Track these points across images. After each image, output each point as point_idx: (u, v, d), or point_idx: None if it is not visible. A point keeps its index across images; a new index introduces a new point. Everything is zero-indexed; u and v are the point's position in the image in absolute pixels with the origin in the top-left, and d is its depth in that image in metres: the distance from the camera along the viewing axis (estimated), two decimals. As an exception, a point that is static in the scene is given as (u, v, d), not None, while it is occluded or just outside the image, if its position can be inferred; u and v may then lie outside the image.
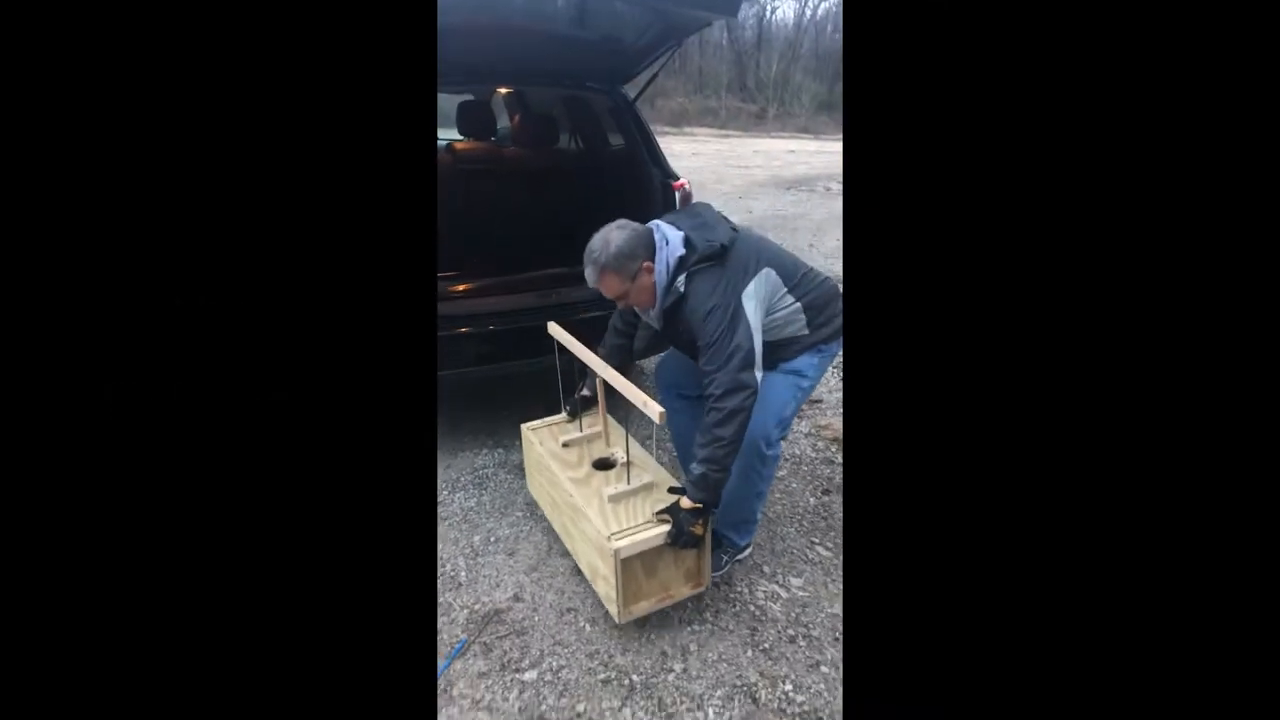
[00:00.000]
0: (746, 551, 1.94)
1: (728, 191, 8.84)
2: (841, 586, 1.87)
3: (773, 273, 1.63)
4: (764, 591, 1.85)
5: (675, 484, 1.71)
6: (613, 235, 1.60)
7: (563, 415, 2.07)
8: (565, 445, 1.93)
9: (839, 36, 25.06)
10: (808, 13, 24.53)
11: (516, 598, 1.81)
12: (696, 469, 1.55)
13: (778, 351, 1.72)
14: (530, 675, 1.57)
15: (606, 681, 1.55)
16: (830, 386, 3.12)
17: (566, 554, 1.92)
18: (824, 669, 1.60)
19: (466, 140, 3.04)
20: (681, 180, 2.73)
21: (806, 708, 1.50)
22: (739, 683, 1.56)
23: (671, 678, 1.57)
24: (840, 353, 1.82)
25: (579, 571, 1.85)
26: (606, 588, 1.62)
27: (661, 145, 2.92)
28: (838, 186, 9.71)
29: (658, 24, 2.36)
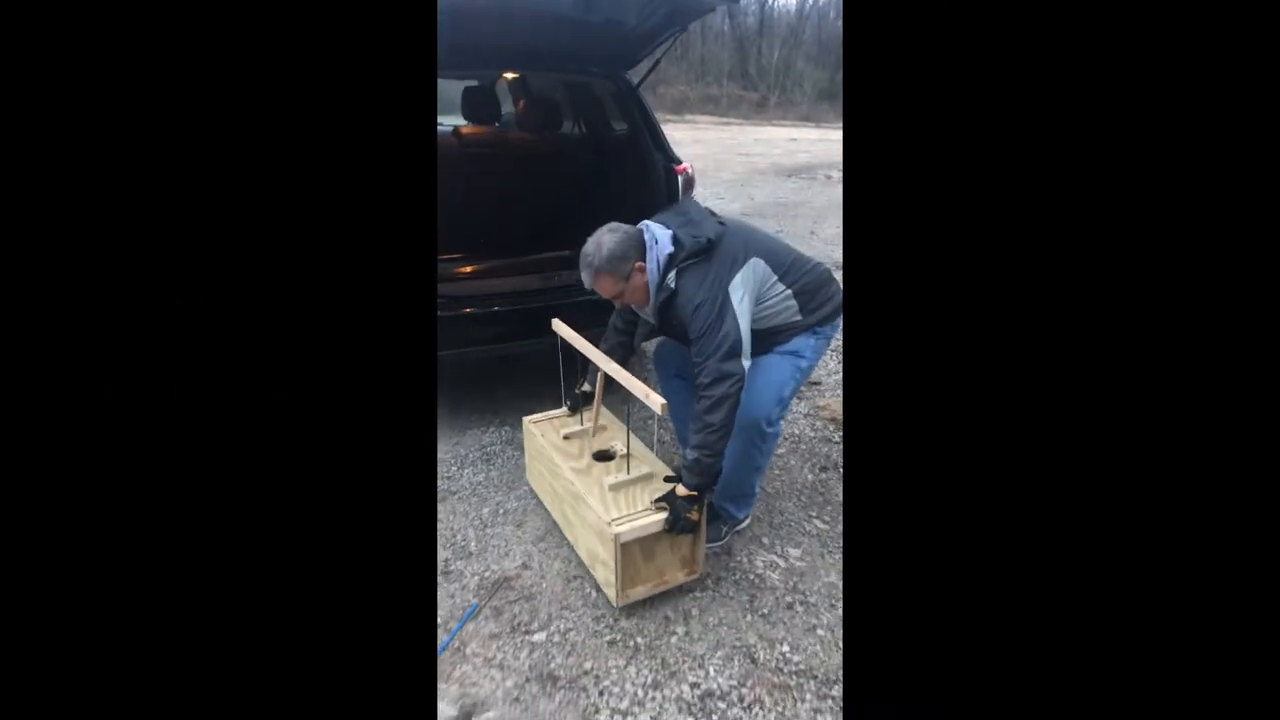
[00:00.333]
0: (745, 523, 2.01)
1: (729, 179, 8.87)
2: (837, 557, 1.94)
3: (761, 263, 1.69)
4: (763, 561, 1.92)
5: (671, 474, 1.77)
6: (604, 238, 1.67)
7: (563, 409, 2.13)
8: (566, 438, 1.99)
9: (840, 24, 24.94)
10: (810, 0, 24.39)
11: (525, 565, 1.88)
12: (690, 454, 1.62)
13: (773, 337, 1.78)
14: (539, 637, 1.64)
15: (612, 643, 1.62)
16: (829, 369, 3.19)
17: (572, 525, 1.99)
18: (820, 632, 1.67)
19: (472, 125, 3.08)
20: (684, 165, 2.78)
21: (802, 667, 1.57)
22: (738, 644, 1.63)
23: (674, 640, 1.64)
24: (836, 335, 1.89)
25: (584, 542, 1.92)
26: (605, 572, 1.68)
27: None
28: (838, 174, 9.73)
29: (662, 9, 2.40)
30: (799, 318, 1.78)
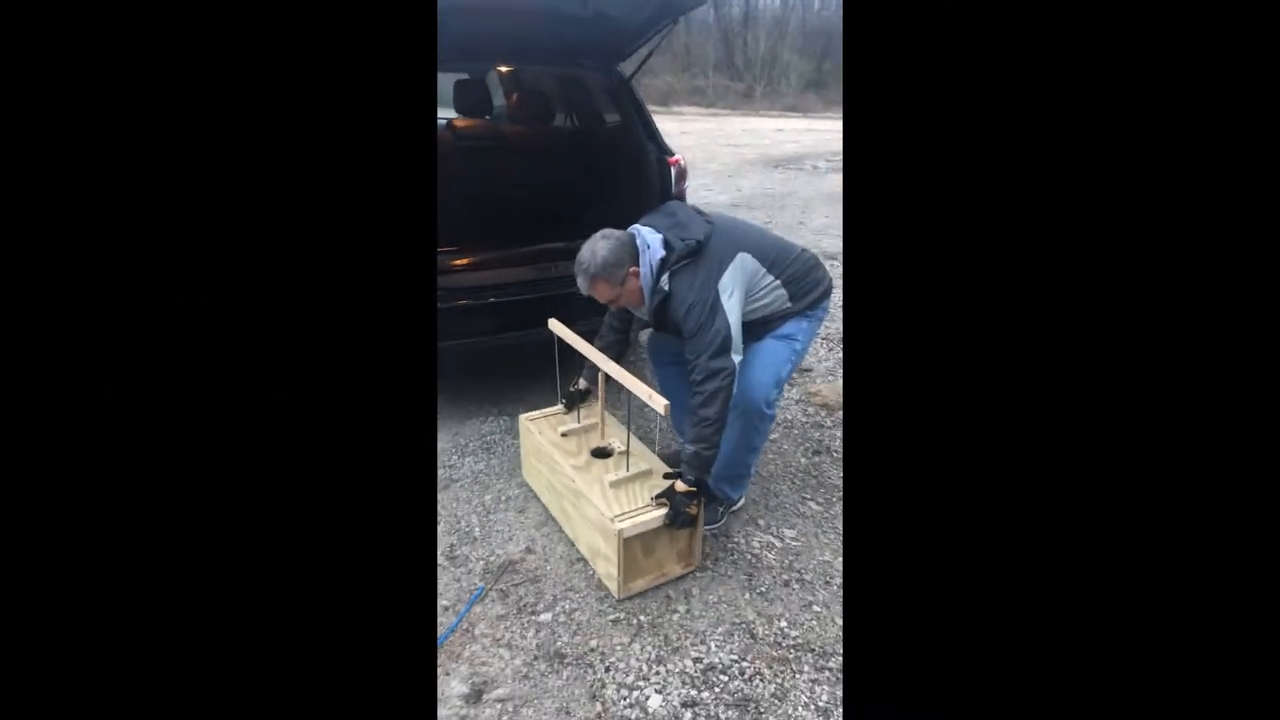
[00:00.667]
0: (739, 504, 2.07)
1: (717, 170, 8.90)
2: (831, 537, 2.00)
3: (748, 257, 1.74)
4: (759, 542, 1.97)
5: (669, 470, 1.83)
6: (599, 246, 1.72)
7: (559, 407, 2.17)
8: (564, 435, 2.04)
9: (825, 14, 24.95)
10: (795, -11, 24.38)
11: (528, 550, 1.93)
12: (689, 448, 1.68)
13: (767, 324, 1.85)
14: (545, 617, 1.69)
15: (616, 621, 1.68)
16: (819, 357, 3.25)
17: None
18: (816, 608, 1.73)
19: (465, 118, 3.10)
20: (677, 156, 2.82)
21: (800, 640, 1.63)
22: (738, 620, 1.68)
23: (676, 617, 1.69)
24: (826, 318, 1.94)
25: (586, 525, 1.97)
26: (607, 566, 1.74)
27: (653, 123, 3.00)
28: (826, 164, 9.80)
29: (654, 2, 2.43)
30: (789, 305, 1.84)
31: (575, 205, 2.93)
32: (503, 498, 2.17)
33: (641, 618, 1.69)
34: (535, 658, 1.57)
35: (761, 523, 2.06)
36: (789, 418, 2.67)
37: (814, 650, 1.60)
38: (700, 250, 1.70)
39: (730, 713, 1.44)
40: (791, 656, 1.58)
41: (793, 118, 17.63)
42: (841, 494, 2.20)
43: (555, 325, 2.03)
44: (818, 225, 5.99)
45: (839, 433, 2.58)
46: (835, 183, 8.30)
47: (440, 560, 1.89)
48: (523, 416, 2.16)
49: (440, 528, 2.02)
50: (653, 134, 2.84)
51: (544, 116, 3.29)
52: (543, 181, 3.06)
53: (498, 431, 2.56)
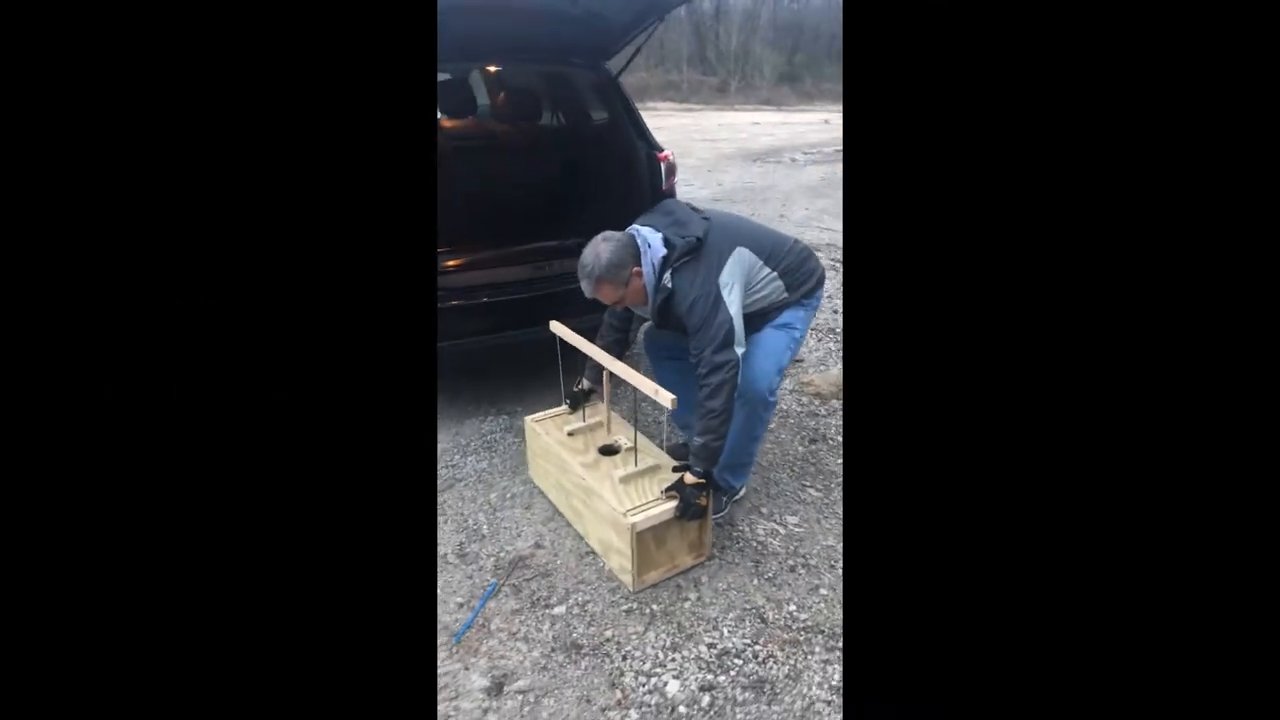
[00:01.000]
0: (741, 493, 2.11)
1: (696, 165, 8.93)
2: (833, 523, 2.05)
3: (746, 251, 1.79)
4: (764, 529, 2.02)
5: (677, 464, 1.85)
6: (601, 248, 1.74)
7: (564, 407, 2.20)
8: (571, 434, 2.06)
9: (795, 7, 25.12)
10: (765, -17, 24.47)
11: (538, 545, 1.95)
12: (698, 440, 1.72)
13: (765, 315, 1.90)
14: (559, 610, 1.72)
15: (629, 611, 1.71)
16: (810, 347, 3.30)
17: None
18: (823, 591, 1.78)
19: (451, 118, 3.10)
20: (666, 152, 2.85)
21: (809, 623, 1.67)
22: (748, 606, 1.72)
23: (687, 605, 1.73)
24: (820, 305, 2.00)
25: (593, 519, 2.00)
26: (621, 560, 1.77)
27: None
28: (804, 157, 9.88)
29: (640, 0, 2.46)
30: (786, 295, 1.88)
31: (567, 203, 2.95)
32: (508, 495, 2.19)
33: (654, 607, 1.72)
34: (553, 649, 1.60)
35: (764, 511, 2.10)
36: (784, 408, 2.72)
37: (824, 632, 1.64)
38: (700, 247, 1.74)
39: (747, 694, 1.48)
40: (802, 639, 1.63)
41: (767, 111, 17.72)
42: (839, 480, 2.25)
43: (557, 327, 2.06)
44: (799, 218, 6.05)
45: (834, 420, 2.63)
46: (814, 175, 8.38)
47: (450, 558, 1.90)
48: (528, 418, 2.17)
49: (448, 526, 2.04)
50: (642, 130, 2.86)
51: (531, 115, 3.30)
52: (534, 180, 3.08)
53: (498, 430, 2.57)
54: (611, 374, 1.91)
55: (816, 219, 6.03)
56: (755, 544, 1.95)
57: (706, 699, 1.47)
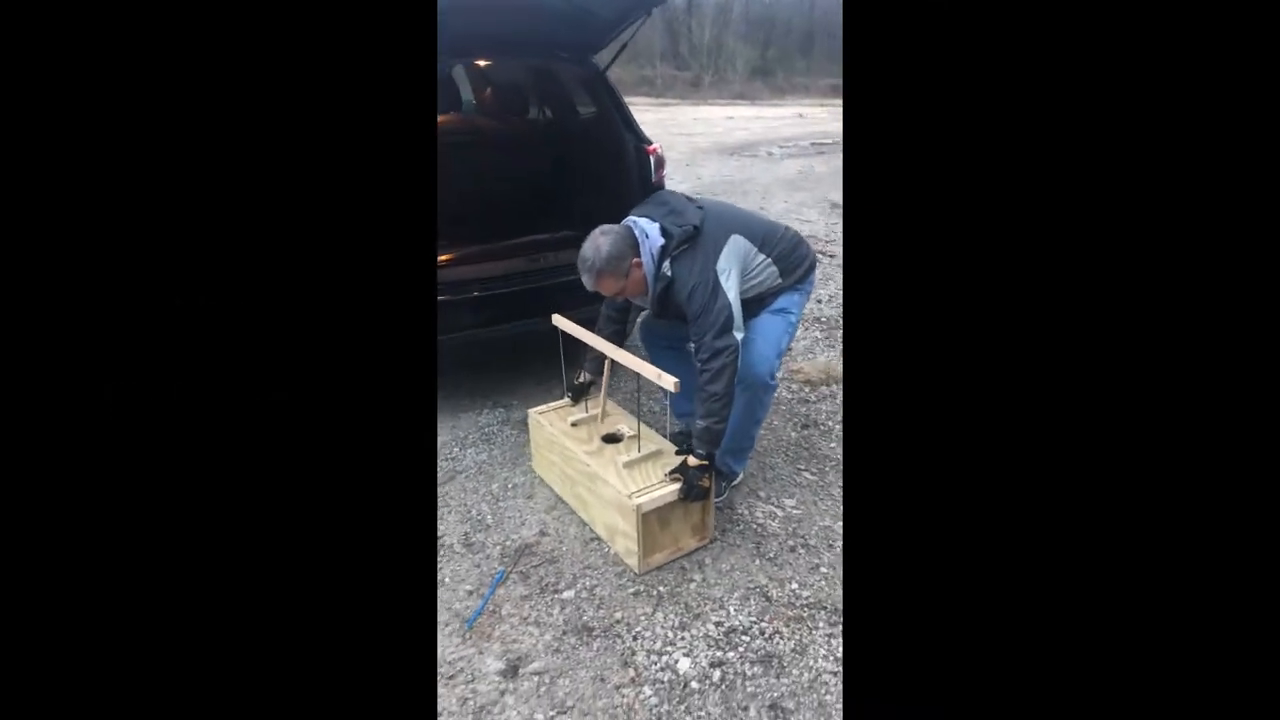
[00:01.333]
0: (739, 478, 2.16)
1: (674, 159, 8.97)
2: (828, 504, 2.11)
3: (741, 239, 1.83)
4: (763, 512, 2.07)
5: (679, 448, 1.90)
6: (600, 241, 1.77)
7: (565, 400, 2.23)
8: (574, 425, 2.10)
9: (767, 1, 25.25)
10: (736, -23, 24.56)
11: (542, 533, 1.98)
12: (700, 423, 1.76)
13: (762, 301, 1.94)
14: (568, 594, 1.75)
15: (637, 594, 1.75)
16: (797, 336, 3.36)
17: (582, 493, 2.10)
18: (823, 569, 1.83)
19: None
20: (654, 145, 2.88)
21: (812, 600, 1.72)
22: (752, 585, 1.77)
23: (693, 586, 1.77)
24: (813, 290, 2.06)
25: (596, 506, 2.03)
26: (626, 542, 1.81)
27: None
28: (780, 150, 9.97)
29: (628, -5, 2.49)
30: (780, 281, 1.94)
31: (557, 197, 2.97)
32: (509, 485, 2.21)
33: (661, 589, 1.76)
34: (564, 632, 1.63)
35: (762, 494, 2.15)
36: (776, 395, 2.77)
37: (826, 608, 1.70)
38: (697, 235, 1.78)
39: (755, 669, 1.53)
40: (806, 615, 1.68)
41: (741, 105, 17.82)
42: (833, 464, 2.31)
43: (559, 320, 2.08)
44: (779, 210, 6.12)
45: (824, 406, 2.70)
46: (791, 169, 8.48)
47: (457, 547, 1.93)
48: (531, 411, 2.20)
49: (452, 517, 2.06)
50: (630, 124, 2.89)
51: (518, 110, 3.31)
52: (522, 175, 3.09)
53: (495, 423, 2.59)
54: (612, 364, 1.95)
55: (796, 211, 6.11)
56: (755, 526, 2.00)
57: (717, 674, 1.51)
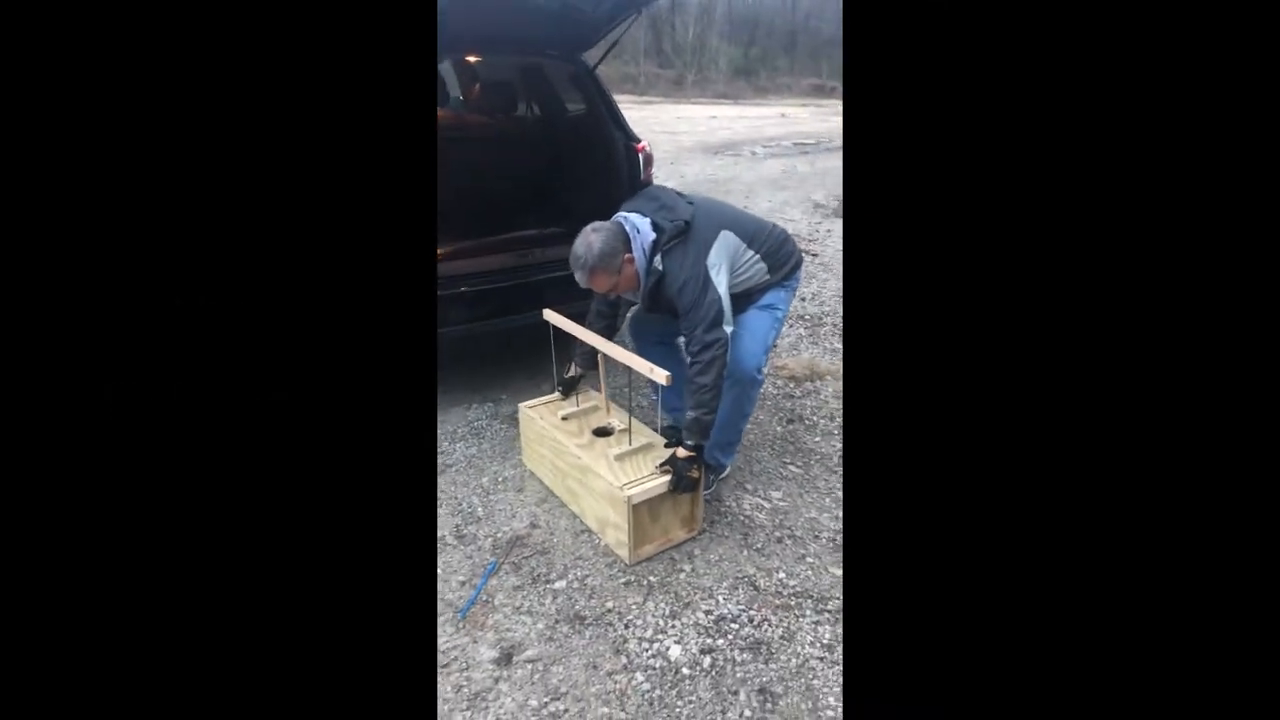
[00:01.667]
0: (726, 471, 2.20)
1: (658, 158, 8.97)
2: (814, 497, 2.15)
3: (730, 234, 1.87)
4: (750, 504, 2.11)
5: (669, 442, 1.93)
6: (592, 238, 1.79)
7: (556, 394, 2.25)
8: (565, 419, 2.12)
9: (751, 0, 25.36)
10: (720, -23, 24.63)
11: (533, 525, 2.01)
12: (690, 414, 1.80)
13: (749, 296, 1.98)
14: (560, 584, 1.78)
15: (628, 584, 1.78)
16: (782, 334, 3.41)
17: (572, 486, 2.12)
18: (809, 560, 1.88)
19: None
20: (642, 143, 2.91)
21: (799, 589, 1.77)
22: (740, 575, 1.81)
23: (683, 576, 1.81)
24: (799, 286, 2.10)
25: (586, 499, 2.06)
26: (617, 534, 1.84)
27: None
28: (763, 150, 10.04)
29: (618, -6, 2.51)
30: (768, 276, 1.98)
31: (546, 193, 2.99)
32: (499, 479, 2.24)
33: (651, 579, 1.80)
34: (557, 621, 1.66)
35: (749, 487, 2.19)
36: (762, 391, 2.81)
37: (812, 596, 1.74)
38: (688, 230, 1.81)
39: (745, 655, 1.57)
40: (793, 603, 1.72)
41: (725, 105, 17.89)
42: (818, 457, 2.36)
43: (551, 315, 2.10)
44: (763, 209, 6.17)
45: (808, 402, 2.75)
46: (774, 168, 8.54)
47: (449, 539, 1.95)
48: (522, 405, 2.22)
49: (443, 510, 2.08)
50: (619, 121, 2.92)
51: (506, 107, 3.32)
52: (511, 171, 3.10)
53: (484, 417, 2.61)
54: (606, 357, 1.97)
55: (779, 211, 6.16)
56: (743, 518, 2.04)
57: (707, 660, 1.55)
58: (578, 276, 1.83)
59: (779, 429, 2.55)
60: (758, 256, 1.93)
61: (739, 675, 1.52)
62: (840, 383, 2.90)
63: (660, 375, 1.74)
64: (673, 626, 1.64)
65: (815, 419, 2.62)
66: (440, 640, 1.60)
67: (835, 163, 8.86)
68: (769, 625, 1.65)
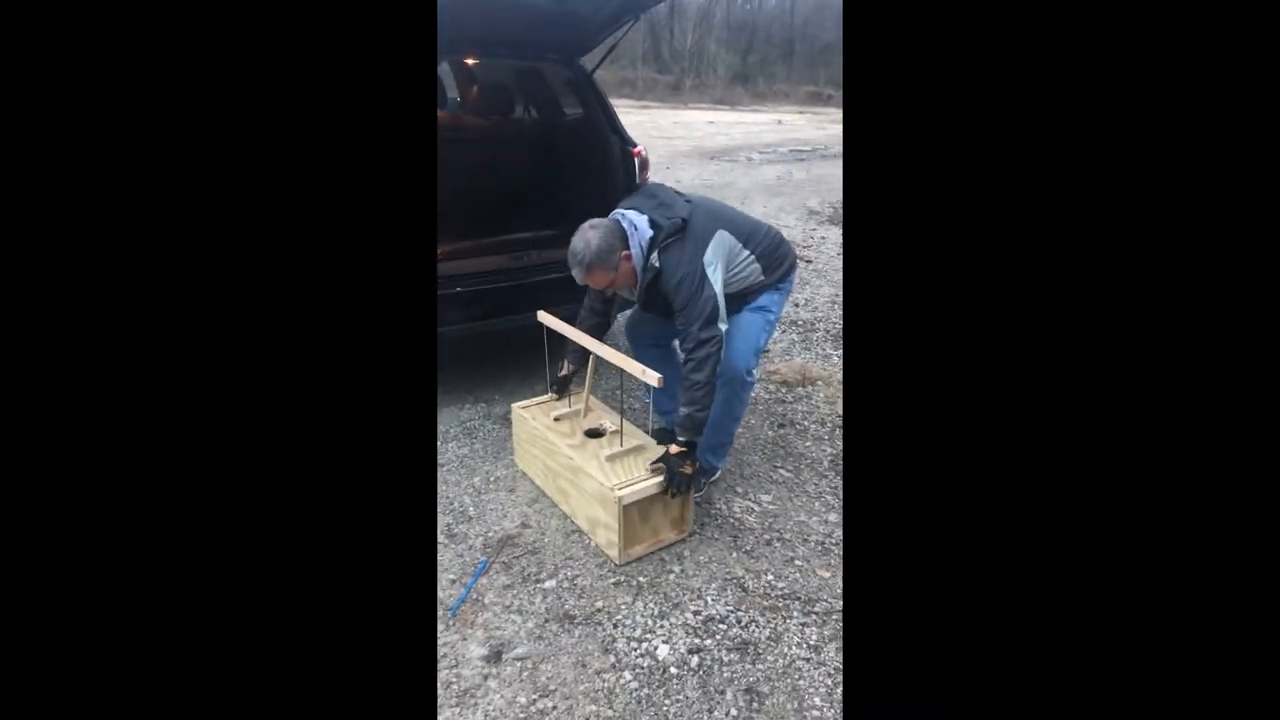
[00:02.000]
0: (717, 474, 2.22)
1: (654, 162, 9.00)
2: (803, 501, 2.17)
3: (726, 234, 1.89)
4: (740, 507, 2.13)
5: (659, 443, 1.94)
6: (590, 235, 1.81)
7: (549, 395, 2.27)
8: (557, 419, 2.14)
9: (749, 7, 25.49)
10: (719, -17, 24.76)
11: (524, 525, 2.02)
12: (683, 410, 1.81)
13: (744, 297, 2.00)
14: (550, 584, 1.79)
15: (617, 584, 1.79)
16: (774, 339, 3.43)
17: (564, 486, 2.14)
18: (798, 562, 1.89)
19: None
20: (639, 148, 2.93)
21: (787, 591, 1.79)
22: (729, 576, 1.83)
23: (672, 577, 1.82)
24: (793, 289, 2.12)
25: (578, 499, 2.07)
26: (608, 534, 1.85)
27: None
28: (759, 156, 10.10)
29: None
30: (763, 278, 2.00)
31: (542, 196, 3.00)
32: (491, 479, 2.25)
33: (640, 579, 1.81)
34: (546, 620, 1.67)
35: (740, 490, 2.21)
36: (753, 395, 2.83)
37: (800, 598, 1.76)
38: (685, 228, 1.83)
39: (732, 655, 1.58)
40: (781, 605, 1.74)
41: (722, 110, 17.97)
42: (808, 462, 2.38)
43: (544, 317, 2.12)
44: (758, 215, 6.16)
45: (799, 406, 2.77)
46: (770, 174, 8.59)
47: (440, 538, 1.96)
48: (515, 405, 2.24)
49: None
50: (616, 126, 2.94)
51: (503, 109, 3.34)
52: (507, 173, 3.12)
53: (476, 417, 2.62)
54: (597, 359, 1.99)
55: (774, 217, 6.20)
56: (733, 520, 2.06)
57: (695, 660, 1.56)
58: (575, 273, 1.84)
59: (770, 433, 2.57)
60: (753, 257, 1.96)
61: (726, 675, 1.53)
62: (832, 388, 2.92)
63: (652, 378, 1.76)
64: (661, 626, 1.66)
65: (806, 424, 2.64)
66: (430, 637, 1.61)
67: (831, 170, 8.92)
68: (757, 626, 1.67)
